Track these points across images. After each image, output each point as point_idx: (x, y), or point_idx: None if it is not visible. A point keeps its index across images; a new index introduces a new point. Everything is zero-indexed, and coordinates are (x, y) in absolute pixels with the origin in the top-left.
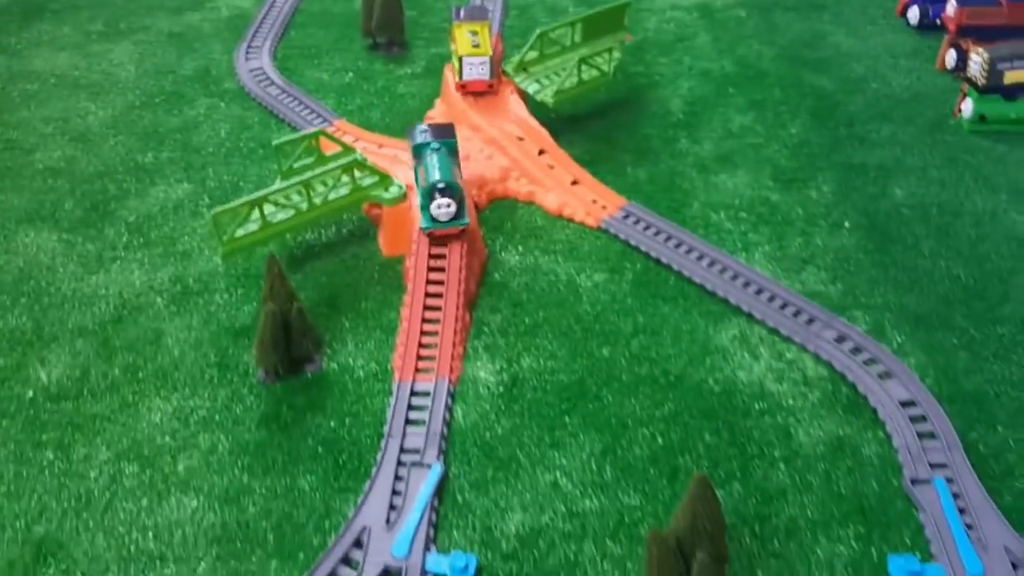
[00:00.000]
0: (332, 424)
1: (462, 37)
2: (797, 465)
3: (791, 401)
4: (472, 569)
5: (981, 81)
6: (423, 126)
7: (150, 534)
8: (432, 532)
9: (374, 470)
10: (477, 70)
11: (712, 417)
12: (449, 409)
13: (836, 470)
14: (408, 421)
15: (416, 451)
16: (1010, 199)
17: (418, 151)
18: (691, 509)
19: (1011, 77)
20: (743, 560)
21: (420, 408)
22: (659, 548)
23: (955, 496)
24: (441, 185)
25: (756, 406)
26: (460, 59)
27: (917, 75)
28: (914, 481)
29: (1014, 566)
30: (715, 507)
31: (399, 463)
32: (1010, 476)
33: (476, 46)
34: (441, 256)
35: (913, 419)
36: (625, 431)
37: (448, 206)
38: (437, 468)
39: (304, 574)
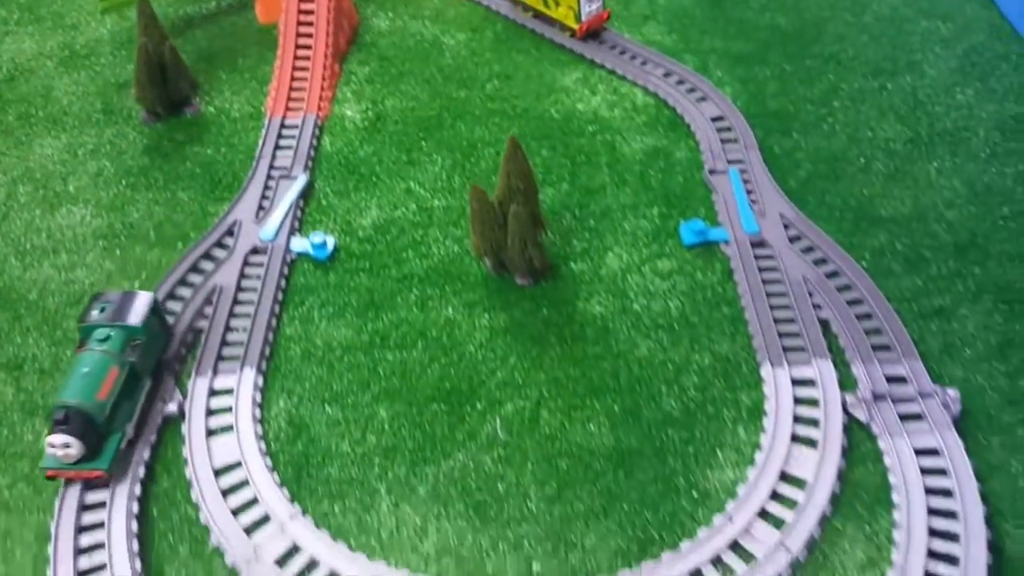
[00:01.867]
0: (209, 152)
1: None
2: (618, 168)
3: (619, 123)
4: (330, 245)
5: None
6: (105, 295)
7: (44, 235)
8: (297, 225)
9: (246, 181)
10: (596, 5)
11: (550, 137)
12: (317, 138)
13: (650, 170)
14: (278, 147)
15: (285, 168)
16: None
17: (84, 335)
18: (505, 170)
19: None
20: (562, 233)
21: (290, 137)
22: (479, 201)
23: (745, 183)
24: (59, 415)
25: (589, 128)
26: (577, 2)
27: None
28: (712, 171)
29: (786, 227)
30: (525, 166)
31: (269, 176)
32: (797, 169)
33: None
34: (310, 12)
35: (719, 129)
36: (474, 151)
37: (67, 447)
38: (303, 178)
39: (182, 253)
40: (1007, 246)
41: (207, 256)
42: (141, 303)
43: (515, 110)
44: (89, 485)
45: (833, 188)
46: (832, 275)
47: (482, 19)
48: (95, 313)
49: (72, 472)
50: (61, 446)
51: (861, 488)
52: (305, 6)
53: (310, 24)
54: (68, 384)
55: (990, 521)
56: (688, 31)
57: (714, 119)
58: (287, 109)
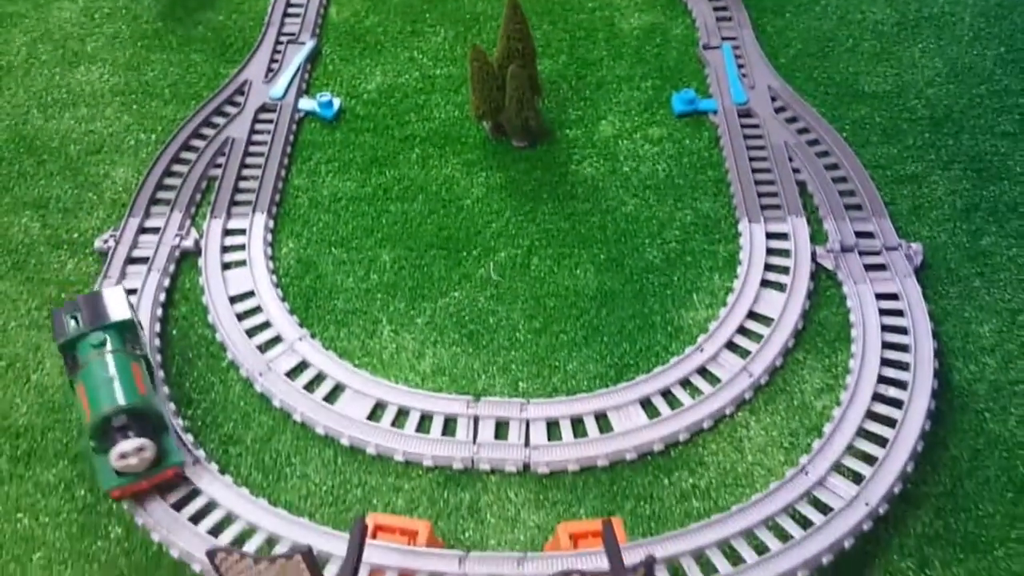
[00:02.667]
0: (220, 18)
1: None
2: (615, 43)
3: (619, 1)
4: (336, 105)
5: None
6: (70, 305)
7: (63, 90)
8: (305, 87)
9: (256, 44)
10: None
11: (551, 13)
12: (324, 7)
13: (646, 45)
14: (286, 14)
15: (293, 34)
16: None
17: (68, 351)
18: (505, 31)
19: None
20: (559, 103)
21: (297, 5)
22: (478, 61)
23: (737, 58)
24: (120, 421)
25: (589, 4)
26: None
27: None
28: (706, 47)
29: (773, 99)
30: (524, 27)
31: (277, 41)
32: (787, 47)
33: None
34: None
35: (715, 8)
36: (476, 23)
37: (141, 451)
38: (311, 43)
39: (195, 108)
40: (981, 121)
41: (219, 112)
42: (115, 297)
43: None
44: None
45: (821, 65)
46: (813, 143)
47: None
48: (71, 325)
49: (144, 481)
50: (135, 452)
51: (824, 327)
52: None
53: None
54: (101, 394)
55: (940, 356)
56: None
57: None
58: None
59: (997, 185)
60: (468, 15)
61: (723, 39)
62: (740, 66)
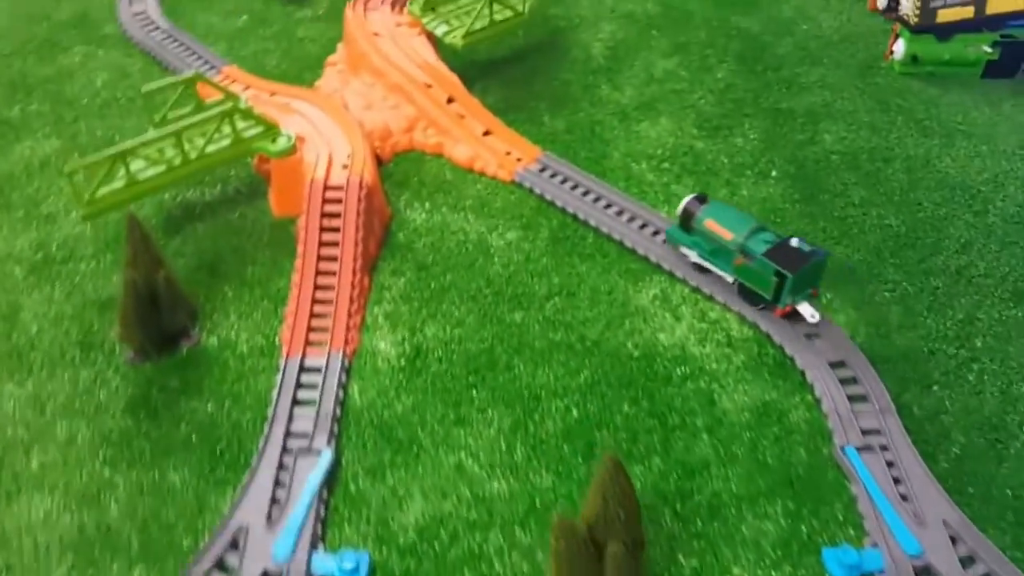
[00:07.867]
0: (209, 408)
1: None
2: (721, 435)
3: (715, 365)
4: (364, 569)
5: (914, 20)
6: None
7: None
8: (320, 528)
9: (255, 459)
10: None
11: (631, 385)
12: (343, 386)
13: (762, 439)
14: (296, 401)
15: (304, 435)
16: (942, 144)
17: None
18: (601, 492)
19: (944, 15)
20: (663, 543)
21: (310, 386)
22: (566, 539)
23: (889, 465)
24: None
25: (678, 371)
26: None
27: (847, 16)
28: (843, 448)
29: (953, 540)
30: (627, 489)
31: (284, 450)
32: (946, 440)
33: None
34: (336, 215)
35: (843, 381)
36: (538, 404)
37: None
38: (327, 455)
39: None
40: None
41: None
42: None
43: (584, 343)
44: None
45: (997, 473)
46: None
47: (534, 212)
48: None
49: None
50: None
51: None
52: (331, 207)
53: (336, 230)
54: None
55: None
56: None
57: (833, 365)
58: (307, 344)
59: None
60: (526, 391)
61: (863, 432)
62: (895, 479)
